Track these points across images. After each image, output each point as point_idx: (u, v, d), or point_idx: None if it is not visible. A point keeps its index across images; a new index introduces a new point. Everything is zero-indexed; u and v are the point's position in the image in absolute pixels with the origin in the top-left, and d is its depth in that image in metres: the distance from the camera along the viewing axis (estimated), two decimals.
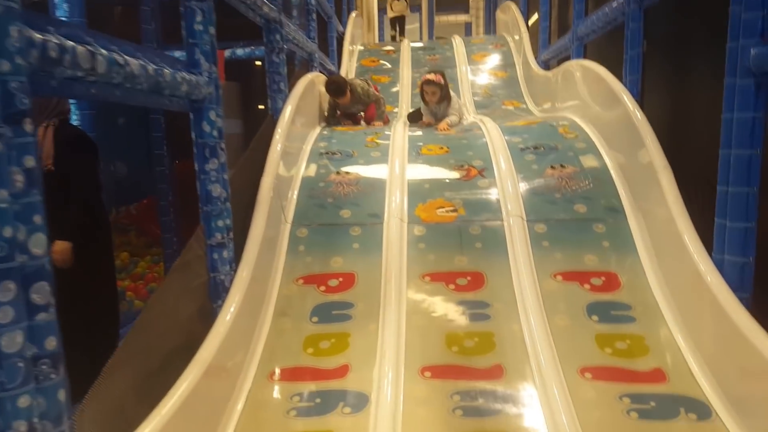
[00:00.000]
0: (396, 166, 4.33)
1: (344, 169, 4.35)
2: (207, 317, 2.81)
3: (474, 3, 15.68)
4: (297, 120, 4.52)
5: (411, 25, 11.38)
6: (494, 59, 8.33)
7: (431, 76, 5.42)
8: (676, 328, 2.97)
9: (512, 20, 8.96)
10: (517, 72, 7.83)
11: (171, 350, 2.57)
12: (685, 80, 3.94)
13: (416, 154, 4.54)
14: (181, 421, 2.24)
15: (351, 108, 5.81)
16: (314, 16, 6.43)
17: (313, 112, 5.28)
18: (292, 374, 2.96)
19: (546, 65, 7.00)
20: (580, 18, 5.57)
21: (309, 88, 5.12)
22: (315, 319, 3.28)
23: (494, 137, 4.61)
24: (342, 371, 2.92)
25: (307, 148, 4.68)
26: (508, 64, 8.11)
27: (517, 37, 8.53)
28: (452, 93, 5.64)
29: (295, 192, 4.16)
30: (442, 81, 5.43)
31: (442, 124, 5.24)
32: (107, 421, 2.13)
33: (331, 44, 7.76)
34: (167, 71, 2.46)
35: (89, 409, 2.01)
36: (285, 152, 4.07)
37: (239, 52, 6.33)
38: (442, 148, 4.58)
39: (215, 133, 2.92)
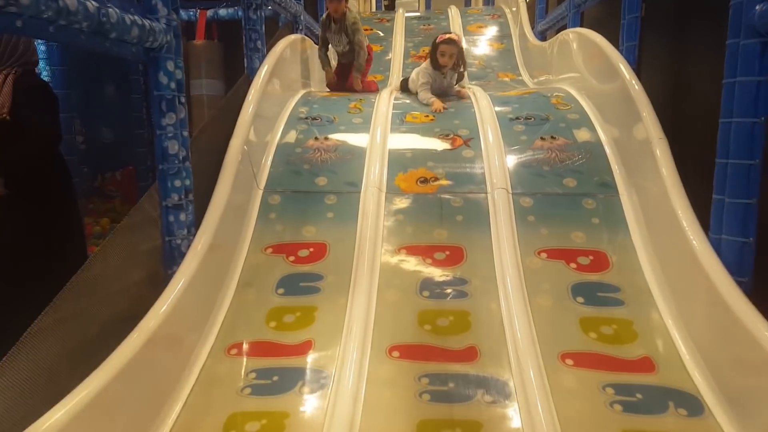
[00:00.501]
0: (378, 134, 4.07)
1: (323, 135, 4.09)
2: (159, 285, 2.58)
3: None
4: (275, 82, 4.25)
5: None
6: (491, 30, 8.02)
7: (452, 35, 4.69)
8: (667, 313, 2.76)
9: None
10: (513, 44, 7.53)
11: (113, 318, 2.34)
12: (686, 48, 3.68)
13: (400, 121, 4.28)
14: (118, 392, 2.03)
15: (338, 46, 5.28)
16: None
17: (294, 75, 5.00)
18: (251, 349, 2.74)
19: (543, 36, 6.73)
20: None
21: (292, 49, 4.84)
22: (281, 290, 3.06)
23: (483, 107, 4.35)
24: (304, 348, 2.71)
25: (286, 112, 4.40)
26: (504, 35, 7.81)
27: (514, 9, 8.23)
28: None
29: (270, 157, 3.91)
30: (460, 41, 4.82)
31: (464, 91, 4.84)
32: (31, 387, 1.91)
33: (321, 11, 7.41)
34: (113, 11, 2.19)
35: (8, 373, 1.81)
36: (259, 115, 3.81)
37: (222, 12, 6.02)
38: (427, 116, 4.33)
39: (173, 85, 2.66)
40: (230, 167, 3.26)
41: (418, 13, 9.42)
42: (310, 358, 2.64)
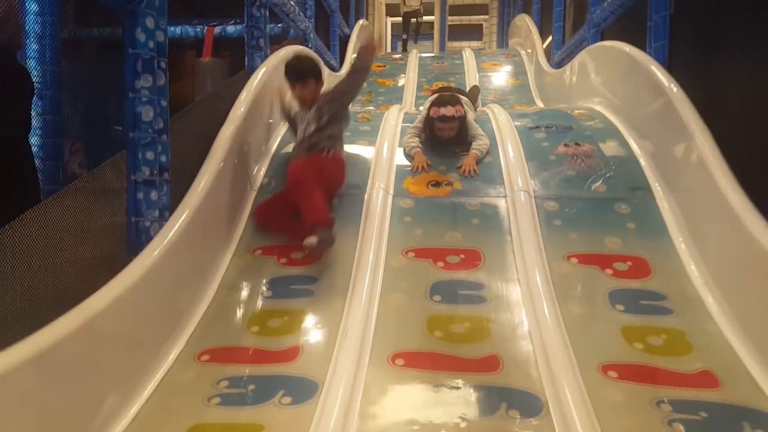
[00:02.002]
0: (386, 138, 3.71)
1: None
2: (117, 270, 2.14)
3: (487, 29, 15.35)
4: (276, 84, 3.91)
5: (422, 48, 10.82)
6: (505, 68, 7.79)
7: (448, 111, 3.47)
8: (726, 323, 2.30)
9: (525, 31, 8.48)
10: (528, 79, 7.28)
11: (54, 289, 1.91)
12: (717, 45, 3.32)
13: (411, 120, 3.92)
14: (46, 395, 1.59)
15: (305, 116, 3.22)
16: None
17: None
18: (225, 355, 2.29)
19: (559, 67, 6.45)
20: (596, 3, 5.02)
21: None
22: (268, 293, 2.63)
23: (501, 120, 3.98)
24: (290, 354, 2.26)
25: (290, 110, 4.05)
26: (519, 72, 7.57)
27: (529, 50, 8.04)
28: (470, 114, 3.78)
29: (268, 159, 3.55)
30: (462, 112, 3.54)
31: (469, 160, 3.40)
32: None
33: (333, 39, 7.21)
34: None
35: None
36: (257, 113, 3.47)
37: (230, 29, 5.80)
38: None
39: (151, 44, 2.32)
40: (218, 153, 2.87)
41: (431, 54, 9.28)
42: (296, 365, 2.19)
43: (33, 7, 3.51)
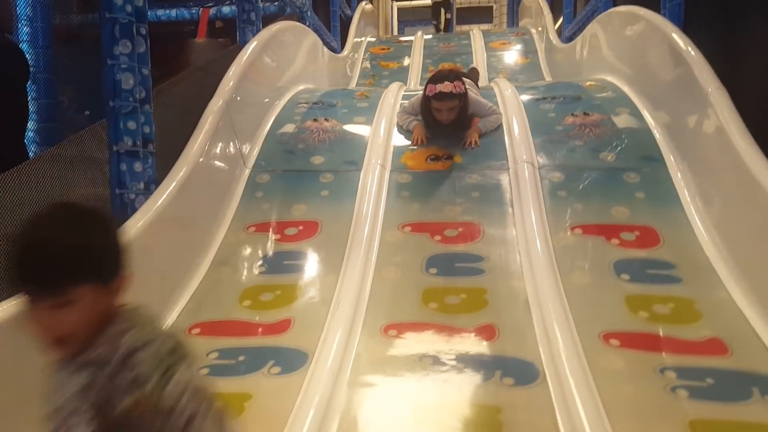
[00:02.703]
0: (384, 114, 3.61)
1: (323, 116, 3.63)
2: None
3: (497, 11, 15.15)
4: (269, 60, 3.82)
5: (428, 30, 10.62)
6: (515, 47, 7.59)
7: (446, 87, 3.09)
8: (738, 292, 2.18)
9: (536, 10, 8.29)
10: (539, 58, 7.09)
11: None
12: (737, 11, 3.18)
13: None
14: None
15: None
16: None
17: (297, 65, 4.57)
18: (216, 328, 2.23)
19: (570, 41, 6.29)
20: None
21: (294, 35, 4.43)
22: (262, 268, 2.56)
23: (507, 94, 3.83)
24: (281, 326, 2.19)
25: (284, 98, 3.94)
26: (529, 50, 7.37)
27: (540, 29, 7.86)
28: (473, 92, 3.46)
29: (261, 138, 3.45)
30: (462, 88, 3.16)
31: (471, 132, 3.23)
32: None
33: (333, 19, 7.08)
34: None
35: None
36: (247, 89, 3.38)
37: (225, 10, 5.73)
38: None
39: (129, 8, 2.25)
40: (207, 126, 2.80)
41: (438, 36, 9.13)
42: (287, 336, 2.13)
43: None
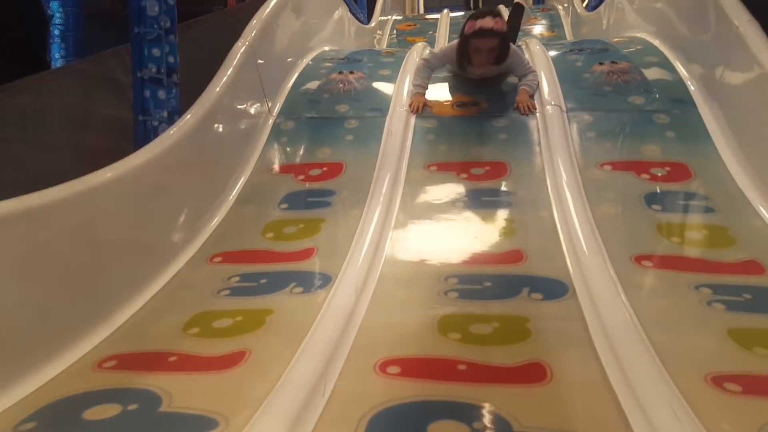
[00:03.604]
0: (409, 67, 3.56)
1: (348, 69, 3.61)
2: None
3: None
4: (295, 13, 3.81)
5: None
6: (541, 22, 7.51)
7: (486, 22, 2.92)
8: None
9: None
10: (564, 32, 7.00)
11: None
12: None
13: None
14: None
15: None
16: None
17: (323, 26, 4.56)
18: (238, 257, 2.21)
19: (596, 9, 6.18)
20: None
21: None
22: (284, 206, 2.54)
23: (534, 50, 3.77)
24: (304, 254, 2.16)
25: (310, 54, 3.94)
26: (555, 24, 7.28)
27: (566, 5, 7.74)
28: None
29: (287, 88, 3.44)
30: (504, 26, 3.05)
31: (522, 96, 2.99)
32: None
33: None
34: None
35: None
36: (275, 36, 3.38)
37: None
38: None
39: None
40: (231, 63, 2.78)
41: (463, 12, 9.04)
42: (310, 262, 2.10)
43: None
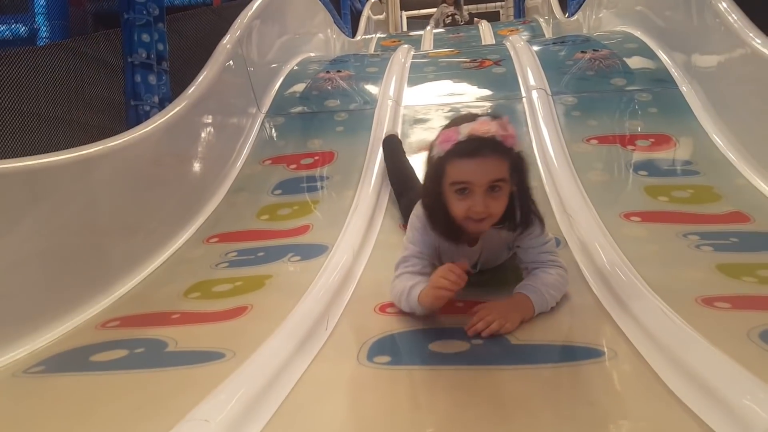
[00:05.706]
0: (397, 62, 3.64)
1: (336, 69, 3.68)
2: None
3: (504, 13, 15.21)
4: (283, 14, 3.89)
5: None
6: (522, 33, 7.65)
7: (482, 125, 1.40)
8: (756, 178, 2.16)
9: (541, 2, 8.37)
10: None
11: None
12: None
13: (422, 55, 3.86)
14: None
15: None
16: None
17: (315, 30, 4.64)
18: (234, 236, 2.24)
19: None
20: None
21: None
22: (278, 191, 2.57)
23: (517, 45, 3.85)
24: (300, 230, 2.19)
25: (299, 55, 4.02)
26: (537, 35, 7.43)
27: (546, 17, 7.91)
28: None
29: (276, 86, 3.50)
30: (514, 142, 1.47)
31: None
32: None
33: (344, 7, 7.17)
34: None
35: None
36: (264, 31, 3.44)
37: None
38: (452, 50, 3.91)
39: None
40: (219, 58, 2.82)
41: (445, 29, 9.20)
42: (307, 236, 2.13)
43: None
